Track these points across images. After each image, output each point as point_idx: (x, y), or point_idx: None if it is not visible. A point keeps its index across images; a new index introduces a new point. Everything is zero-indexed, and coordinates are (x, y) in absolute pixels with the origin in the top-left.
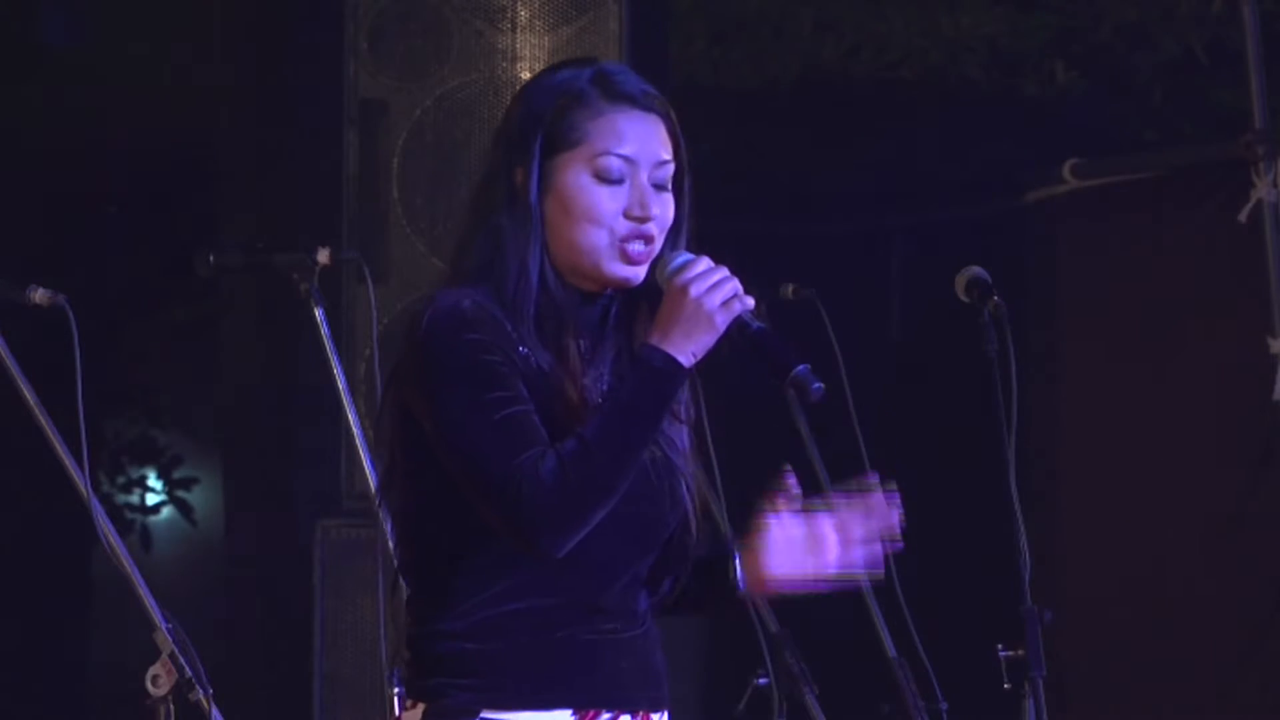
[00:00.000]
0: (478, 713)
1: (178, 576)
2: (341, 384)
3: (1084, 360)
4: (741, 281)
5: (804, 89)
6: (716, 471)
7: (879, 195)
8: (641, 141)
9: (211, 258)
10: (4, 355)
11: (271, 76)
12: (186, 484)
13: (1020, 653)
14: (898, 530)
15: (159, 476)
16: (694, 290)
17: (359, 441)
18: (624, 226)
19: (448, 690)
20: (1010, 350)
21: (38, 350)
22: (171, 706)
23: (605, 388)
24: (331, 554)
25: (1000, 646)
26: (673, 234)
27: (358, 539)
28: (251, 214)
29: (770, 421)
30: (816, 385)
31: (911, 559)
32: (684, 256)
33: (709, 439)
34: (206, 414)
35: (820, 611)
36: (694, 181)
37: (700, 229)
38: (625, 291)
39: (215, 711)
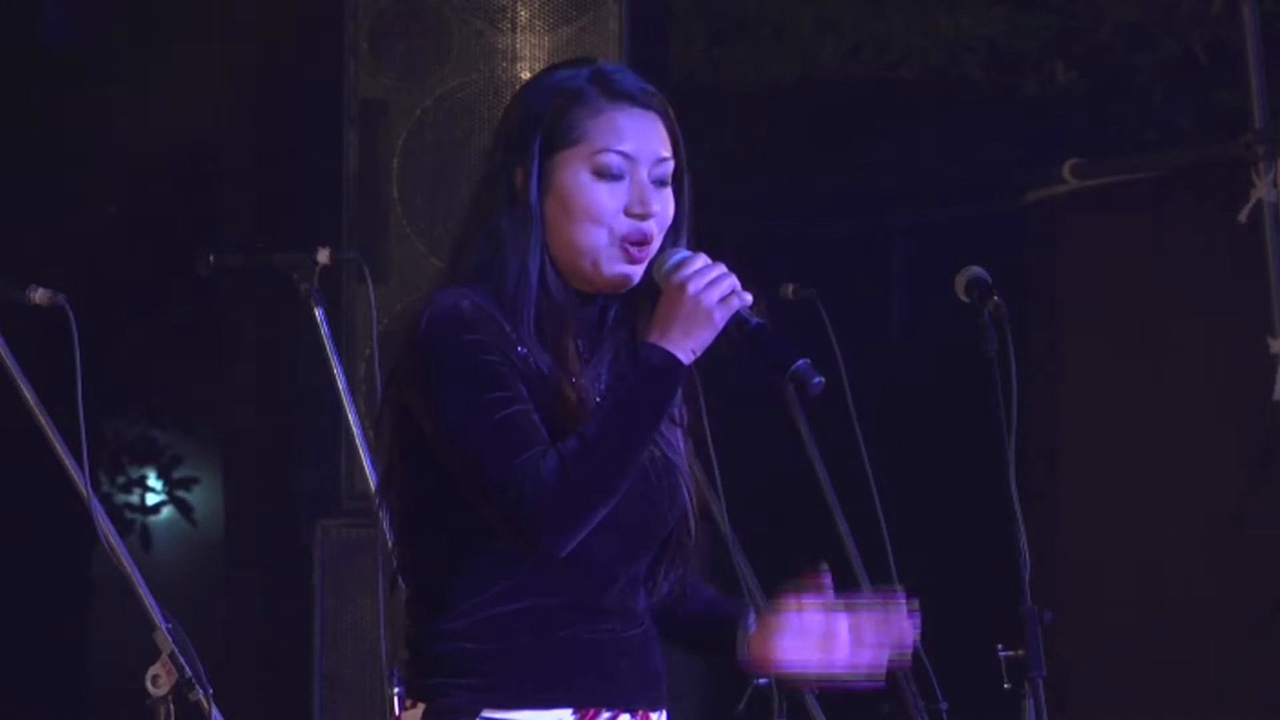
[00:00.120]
0: (478, 712)
1: (178, 576)
2: (341, 384)
3: (1084, 360)
4: (741, 281)
5: (804, 89)
6: (717, 471)
7: (879, 195)
8: (641, 139)
9: (211, 258)
10: (4, 355)
11: (271, 76)
12: (186, 484)
13: (1020, 653)
14: (909, 646)
15: (159, 476)
16: (692, 287)
17: (359, 441)
18: (624, 224)
19: (448, 690)
20: (1010, 350)
21: (38, 350)
22: (171, 706)
23: (604, 387)
24: (331, 554)
25: (1000, 646)
26: (673, 233)
27: (358, 539)
28: (251, 214)
29: (770, 421)
30: (817, 380)
31: (912, 559)
32: (681, 254)
33: (709, 439)
34: (206, 414)
35: None
36: (694, 181)
37: (700, 229)
38: (627, 291)
39: (215, 711)
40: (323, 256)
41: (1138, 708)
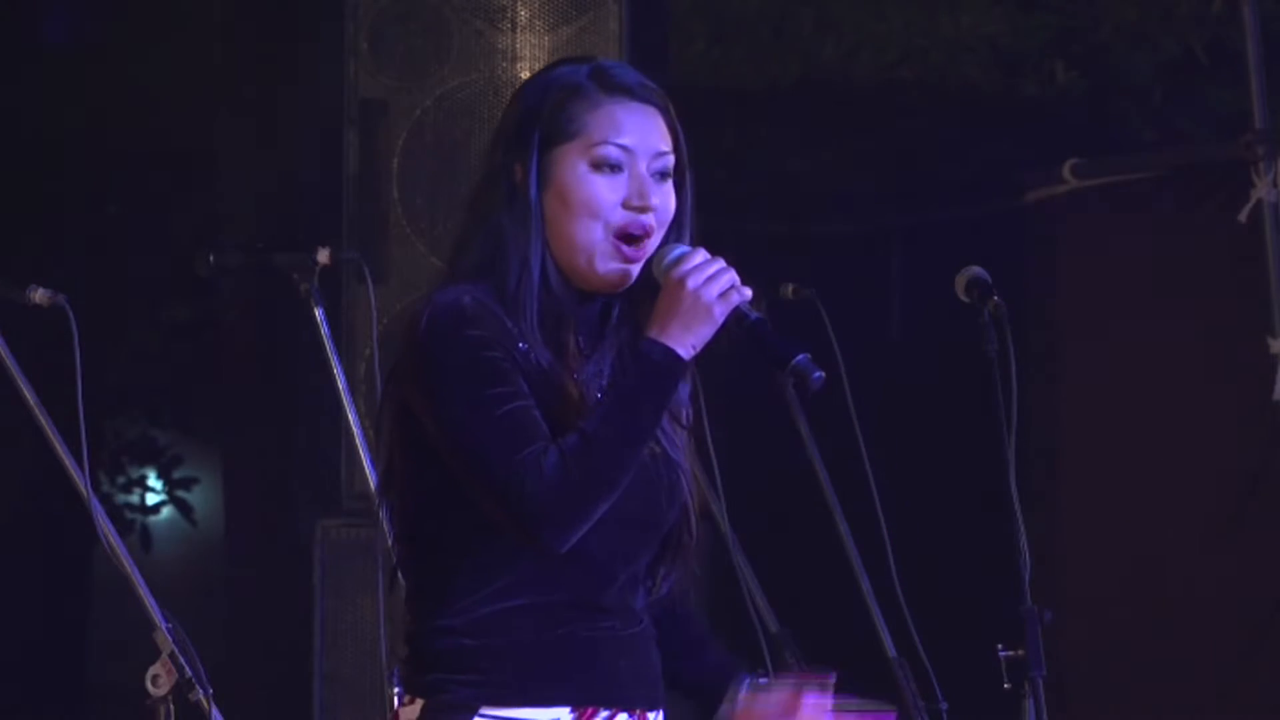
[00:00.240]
0: (476, 709)
1: (178, 576)
2: (341, 384)
3: (1084, 360)
4: (740, 278)
5: (804, 89)
6: (717, 471)
7: (879, 195)
8: (640, 132)
9: (211, 258)
10: (4, 355)
11: (271, 76)
12: (186, 484)
13: (1020, 653)
14: None
15: (159, 476)
16: (691, 282)
17: (359, 441)
18: (622, 216)
19: (446, 686)
20: (1010, 350)
21: (38, 350)
22: (171, 706)
23: (605, 384)
24: (331, 554)
25: (1000, 646)
26: (675, 230)
27: (358, 539)
28: (251, 214)
29: (770, 421)
30: (817, 374)
31: (912, 559)
32: (680, 249)
33: (709, 439)
34: (206, 414)
35: (820, 611)
36: (694, 180)
37: (700, 228)
38: (628, 290)
39: (215, 711)
40: (323, 256)
41: (1138, 708)
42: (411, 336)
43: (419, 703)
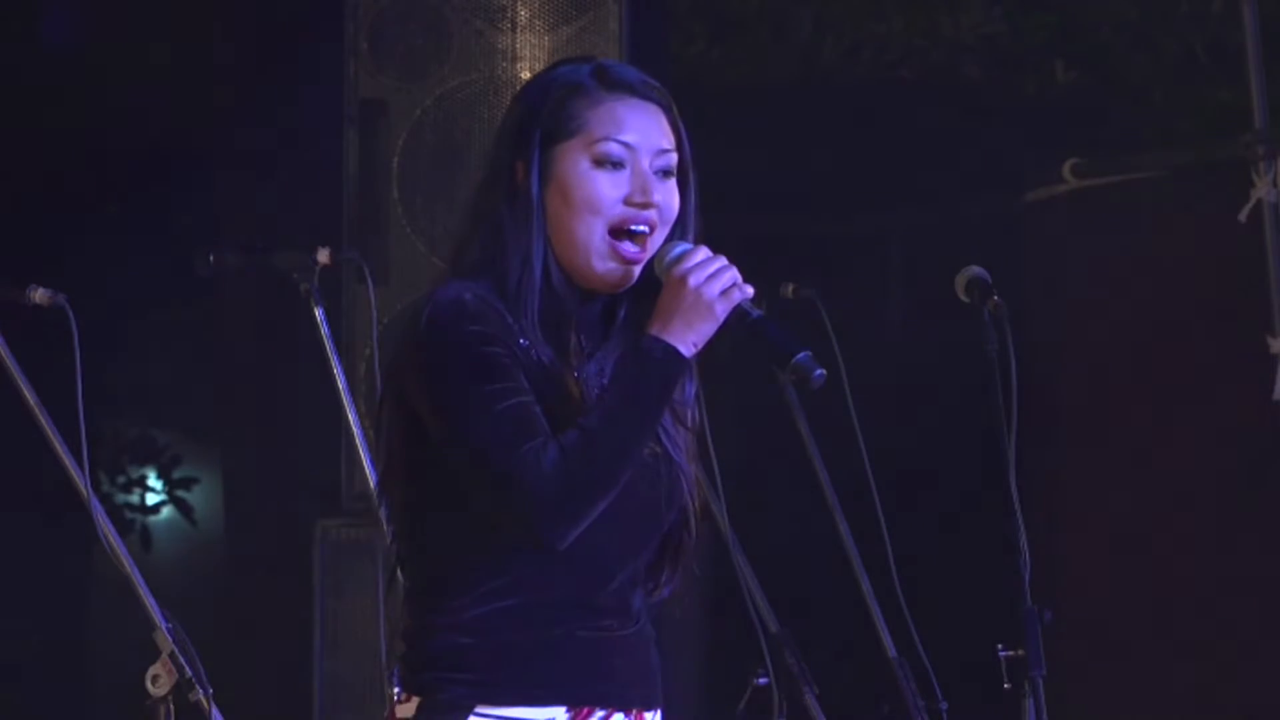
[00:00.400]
0: (472, 708)
1: (178, 576)
2: (341, 384)
3: (1084, 360)
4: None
5: (804, 89)
6: (717, 472)
7: (879, 195)
8: (642, 129)
9: (211, 258)
10: (4, 355)
11: (271, 76)
12: (186, 484)
13: (1020, 653)
14: None
15: (159, 476)
16: (693, 280)
17: (359, 441)
18: (625, 213)
19: (443, 685)
20: (1010, 350)
21: (38, 350)
22: (171, 706)
23: (606, 383)
24: (331, 554)
25: (1000, 646)
26: (679, 230)
27: (358, 539)
28: (251, 214)
29: (770, 421)
30: (818, 372)
31: (912, 559)
32: (682, 247)
33: (709, 439)
34: (206, 414)
35: (820, 611)
36: (695, 180)
37: (700, 228)
38: (633, 290)
39: (215, 711)
40: (323, 256)
41: (1138, 708)
42: (412, 332)
43: (415, 701)
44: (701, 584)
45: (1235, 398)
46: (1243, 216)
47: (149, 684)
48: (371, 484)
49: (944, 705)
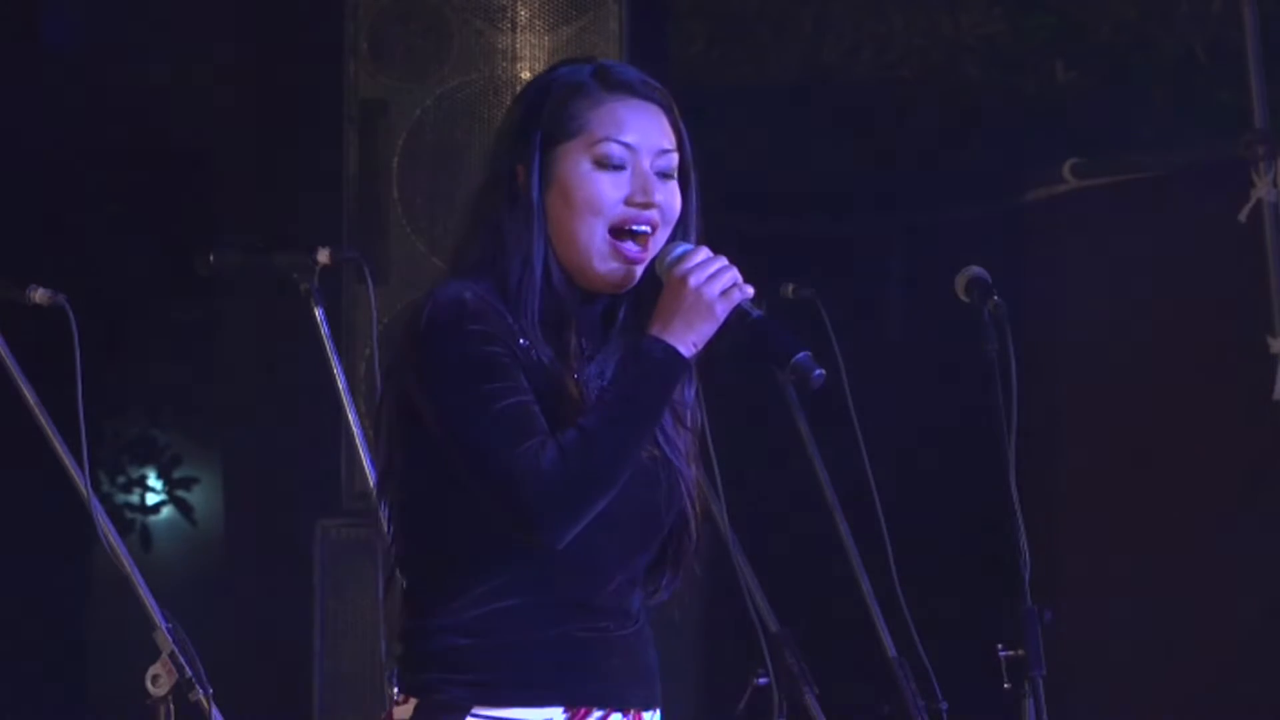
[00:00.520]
0: (469, 709)
1: (178, 576)
2: (341, 384)
3: (1084, 360)
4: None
5: (804, 89)
6: (717, 472)
7: (879, 195)
8: (642, 130)
9: (211, 258)
10: (4, 355)
11: (271, 76)
12: (186, 484)
13: (1020, 653)
14: None
15: (159, 476)
16: (693, 280)
17: (359, 441)
18: (625, 213)
19: (440, 686)
20: (1010, 350)
21: (38, 350)
22: (171, 706)
23: (606, 383)
24: (331, 554)
25: (1000, 646)
26: (680, 230)
27: (358, 539)
28: (251, 214)
29: (770, 421)
30: (818, 372)
31: (912, 559)
32: (683, 247)
33: (709, 439)
34: (206, 414)
35: (820, 611)
36: (696, 180)
37: (701, 229)
38: (634, 293)
39: (215, 711)
40: (323, 256)
41: (1138, 708)
42: (412, 331)
43: (412, 702)
44: (701, 584)
45: (1235, 398)
46: (1243, 216)
47: (149, 684)
48: (371, 484)
49: (944, 705)
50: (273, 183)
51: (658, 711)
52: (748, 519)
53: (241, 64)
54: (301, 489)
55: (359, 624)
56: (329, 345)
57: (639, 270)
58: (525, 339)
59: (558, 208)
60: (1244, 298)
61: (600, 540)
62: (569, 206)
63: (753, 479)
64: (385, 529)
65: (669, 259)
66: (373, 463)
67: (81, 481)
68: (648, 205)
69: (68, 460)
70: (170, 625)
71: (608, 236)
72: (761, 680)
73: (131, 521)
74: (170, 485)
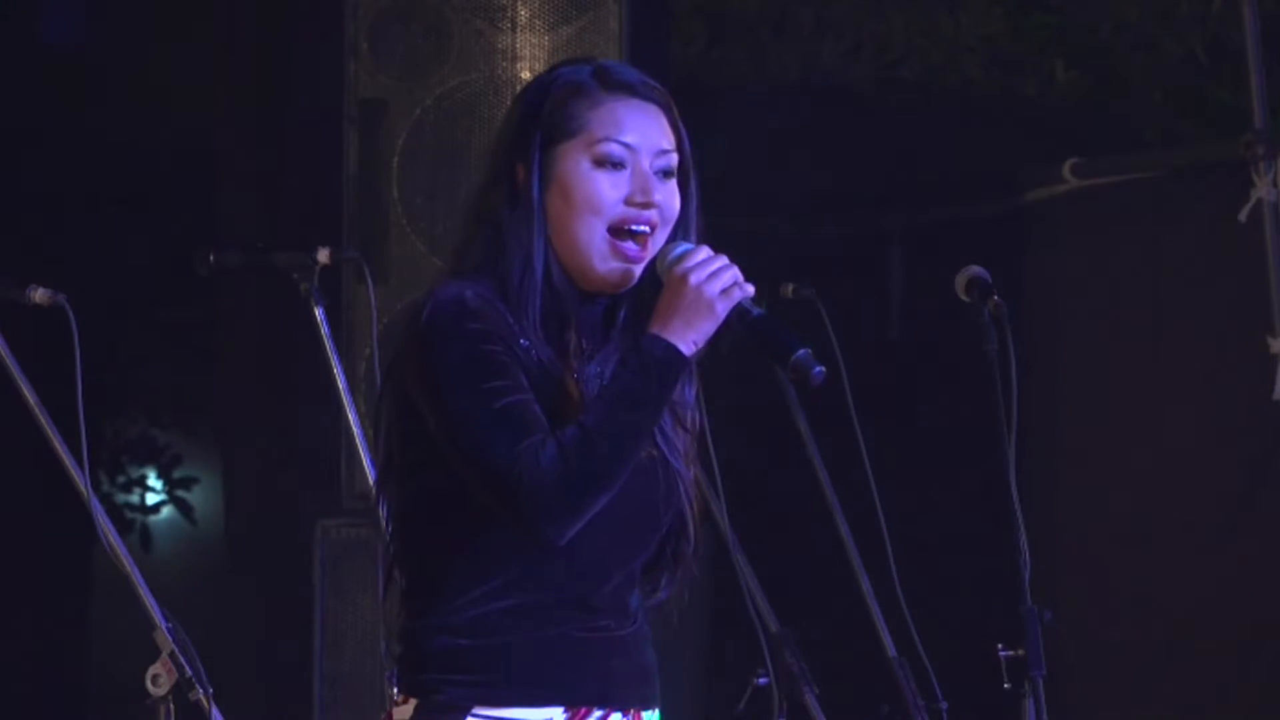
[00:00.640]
0: (469, 709)
1: (178, 576)
2: (341, 384)
3: (1084, 360)
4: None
5: (804, 89)
6: (717, 472)
7: (879, 195)
8: (642, 130)
9: (211, 258)
10: (4, 355)
11: (271, 76)
12: (186, 484)
13: (1020, 653)
14: None
15: (159, 476)
16: (693, 278)
17: (359, 441)
18: (625, 213)
19: (440, 686)
20: (1010, 350)
21: (38, 350)
22: (171, 706)
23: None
24: (331, 554)
25: (1000, 646)
26: (680, 230)
27: (358, 539)
28: (251, 214)
29: (770, 421)
30: (818, 369)
31: (912, 559)
32: (683, 246)
33: (709, 439)
34: (206, 414)
35: (820, 611)
36: (696, 180)
37: (700, 228)
38: (634, 292)
39: (215, 711)
40: (323, 256)
41: (1138, 708)
42: (413, 329)
43: (412, 702)
44: (702, 584)
45: (1235, 398)
46: (1243, 216)
47: (149, 684)
48: (371, 484)
49: (944, 705)
50: (273, 183)
51: (656, 711)
52: (748, 519)
53: (241, 64)
54: (301, 489)
55: (359, 624)
56: (329, 345)
57: (638, 270)
58: (526, 339)
59: (557, 207)
60: (1244, 298)
61: (599, 539)
62: (568, 206)
63: (753, 479)
64: (384, 528)
65: (669, 258)
66: (373, 462)
67: (81, 481)
68: (647, 205)
69: (68, 460)
70: (170, 625)
71: (607, 236)
72: (761, 680)
73: (131, 521)
74: (170, 485)
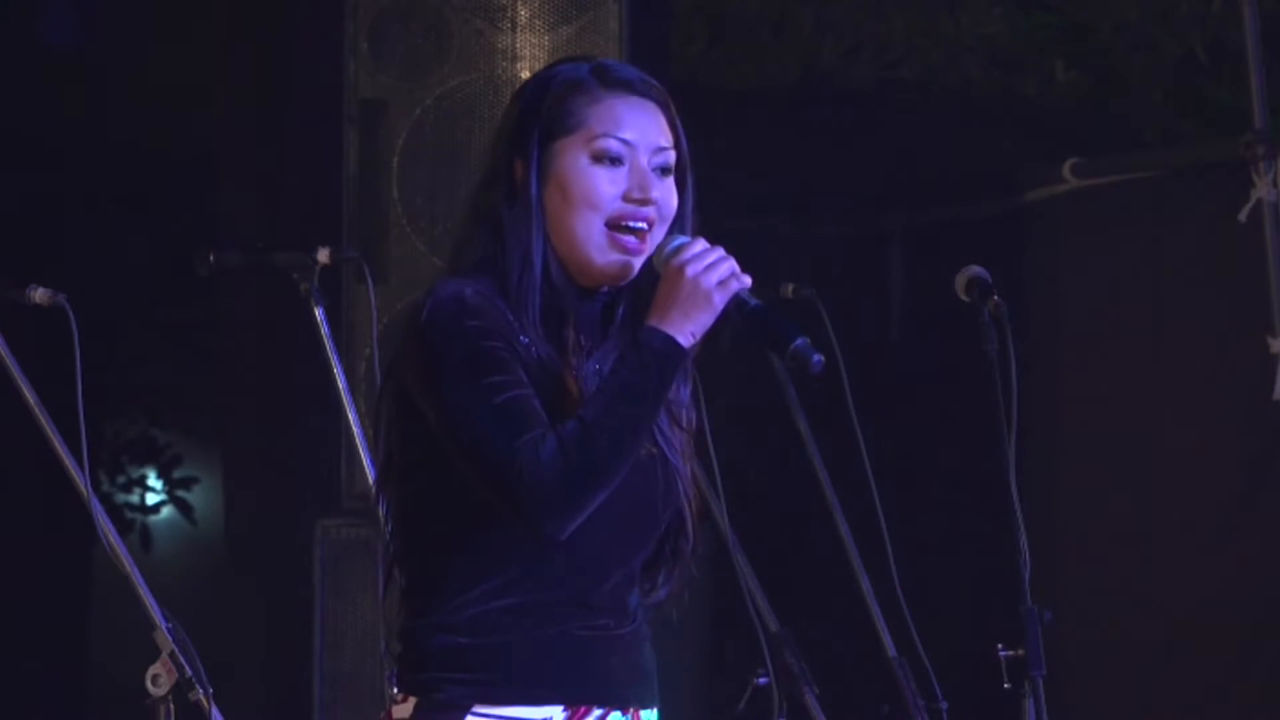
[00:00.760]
0: (469, 707)
1: (178, 576)
2: (341, 384)
3: (1084, 360)
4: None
5: (804, 89)
6: (717, 471)
7: (879, 195)
8: (640, 127)
9: (211, 257)
10: (4, 355)
11: (271, 76)
12: (186, 484)
13: (1020, 653)
14: None
15: (159, 476)
16: (690, 270)
17: (359, 441)
18: (623, 208)
19: (440, 684)
20: (1010, 350)
21: (38, 350)
22: (171, 706)
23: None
24: (331, 554)
25: (1000, 646)
26: (677, 227)
27: (358, 539)
28: (251, 214)
29: (770, 421)
30: (817, 357)
31: (912, 559)
32: (680, 239)
33: (709, 439)
34: (206, 414)
35: (820, 611)
36: (694, 180)
37: (699, 228)
38: (633, 289)
39: (215, 711)
40: (323, 256)
41: (1138, 708)
42: (413, 327)
43: (411, 701)
44: (701, 584)
45: (1235, 398)
46: (1243, 216)
47: (149, 684)
48: (371, 483)
49: (944, 705)
50: (273, 183)
51: (656, 710)
52: (748, 519)
53: (241, 64)
54: (301, 489)
55: (359, 624)
56: (329, 345)
57: (637, 262)
58: (525, 336)
59: (556, 203)
60: (1244, 298)
61: (598, 537)
62: (567, 201)
63: (753, 479)
64: (384, 527)
65: (666, 250)
66: (373, 462)
67: (81, 481)
68: (645, 201)
69: (68, 460)
70: (170, 625)
71: (605, 230)
72: (761, 680)
73: (131, 521)
74: (170, 485)
